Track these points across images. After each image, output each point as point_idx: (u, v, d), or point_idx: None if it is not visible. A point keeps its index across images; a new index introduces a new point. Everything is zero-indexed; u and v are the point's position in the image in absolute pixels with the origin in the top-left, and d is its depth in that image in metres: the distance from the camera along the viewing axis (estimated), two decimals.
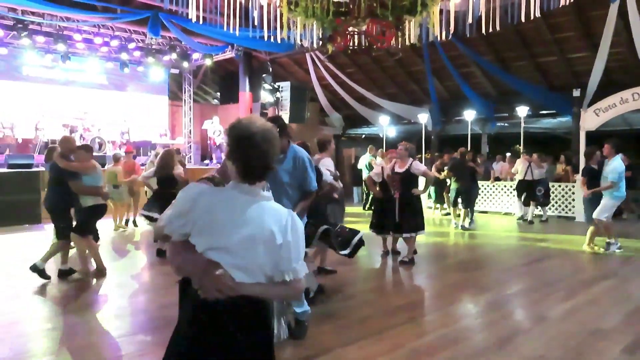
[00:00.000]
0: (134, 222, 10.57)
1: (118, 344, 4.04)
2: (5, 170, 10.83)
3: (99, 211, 6.14)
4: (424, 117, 15.46)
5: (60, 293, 5.57)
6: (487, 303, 5.23)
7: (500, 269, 7.02)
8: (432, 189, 11.78)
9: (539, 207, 11.92)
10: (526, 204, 11.75)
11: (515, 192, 12.15)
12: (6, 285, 5.80)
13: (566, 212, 12.14)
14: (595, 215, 7.60)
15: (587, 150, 8.53)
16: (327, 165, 5.79)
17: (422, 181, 7.78)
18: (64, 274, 6.04)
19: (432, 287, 6.17)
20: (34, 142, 14.09)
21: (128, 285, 5.89)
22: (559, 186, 12.33)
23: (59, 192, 5.94)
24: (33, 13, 13.20)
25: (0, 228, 9.42)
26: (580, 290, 5.76)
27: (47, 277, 5.89)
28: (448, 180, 11.12)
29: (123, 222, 10.28)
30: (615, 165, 7.43)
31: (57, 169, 5.91)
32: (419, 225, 6.97)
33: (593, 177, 7.84)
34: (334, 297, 5.24)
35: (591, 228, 7.84)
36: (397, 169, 7.05)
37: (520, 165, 11.77)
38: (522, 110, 13.51)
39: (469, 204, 10.16)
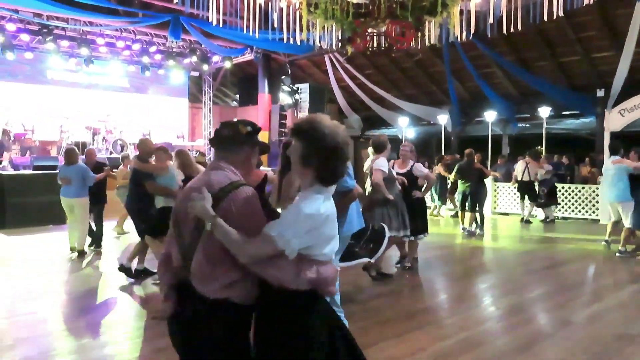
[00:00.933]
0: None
1: (136, 344, 4.10)
2: (30, 172, 11.06)
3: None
4: (443, 118, 15.35)
5: (84, 292, 5.66)
6: (508, 306, 5.15)
7: (521, 271, 6.91)
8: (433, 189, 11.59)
9: (541, 208, 11.86)
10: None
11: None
12: (32, 284, 5.90)
13: (589, 214, 11.90)
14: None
15: (613, 143, 8.04)
16: (381, 166, 5.66)
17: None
18: (139, 274, 6.02)
19: (452, 290, 6.10)
20: (58, 144, 14.36)
21: (147, 285, 5.96)
22: (582, 188, 12.09)
23: (136, 193, 6.08)
24: (57, 18, 13.51)
25: (25, 228, 9.62)
26: (605, 294, 5.64)
27: (134, 277, 5.99)
28: (449, 182, 10.99)
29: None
30: None
31: (134, 171, 6.09)
32: (418, 229, 6.47)
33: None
34: (353, 299, 5.22)
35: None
36: (398, 170, 6.55)
37: (519, 167, 11.69)
38: (544, 111, 13.31)
39: (475, 206, 9.78)
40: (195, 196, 1.85)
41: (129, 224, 8.87)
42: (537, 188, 11.60)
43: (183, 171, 7.22)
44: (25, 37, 14.32)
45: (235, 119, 2.18)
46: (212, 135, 2.04)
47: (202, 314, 1.87)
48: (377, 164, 5.67)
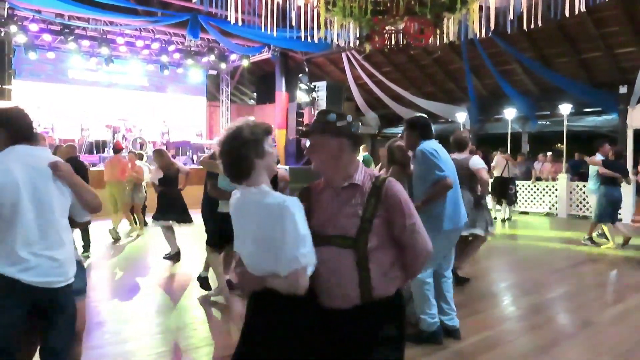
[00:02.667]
0: (142, 221, 9.67)
1: (160, 339, 4.15)
2: None
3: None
4: (462, 116, 15.21)
5: (104, 291, 5.75)
6: (529, 306, 5.10)
7: (542, 271, 6.81)
8: None
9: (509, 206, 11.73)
10: (499, 202, 11.52)
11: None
12: None
13: None
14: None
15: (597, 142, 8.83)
16: (483, 164, 5.65)
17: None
18: (202, 281, 5.37)
19: (472, 289, 6.04)
20: (79, 143, 14.57)
21: (175, 280, 6.03)
22: None
23: (204, 196, 5.50)
24: (79, 18, 13.72)
25: None
26: (629, 295, 5.54)
27: (208, 288, 5.35)
28: None
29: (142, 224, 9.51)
30: None
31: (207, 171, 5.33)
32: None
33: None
34: None
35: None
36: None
37: (500, 162, 11.32)
38: (565, 108, 13.08)
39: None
40: None
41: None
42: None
43: (164, 171, 7.16)
44: (47, 37, 14.57)
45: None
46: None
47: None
48: (477, 162, 5.47)
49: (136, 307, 5.09)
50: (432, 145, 3.96)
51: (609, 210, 7.94)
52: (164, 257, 7.03)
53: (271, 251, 1.83)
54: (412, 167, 4.30)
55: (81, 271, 2.71)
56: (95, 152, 14.63)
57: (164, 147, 13.60)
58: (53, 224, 2.37)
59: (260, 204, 1.86)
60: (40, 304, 2.33)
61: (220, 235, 4.81)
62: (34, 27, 13.67)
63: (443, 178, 3.81)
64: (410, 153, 4.24)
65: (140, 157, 10.09)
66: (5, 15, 12.17)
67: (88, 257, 7.16)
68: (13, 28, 12.70)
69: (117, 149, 10.18)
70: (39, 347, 2.45)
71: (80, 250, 6.65)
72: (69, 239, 2.47)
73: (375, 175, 2.00)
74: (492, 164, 11.67)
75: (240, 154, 1.88)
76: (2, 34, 12.85)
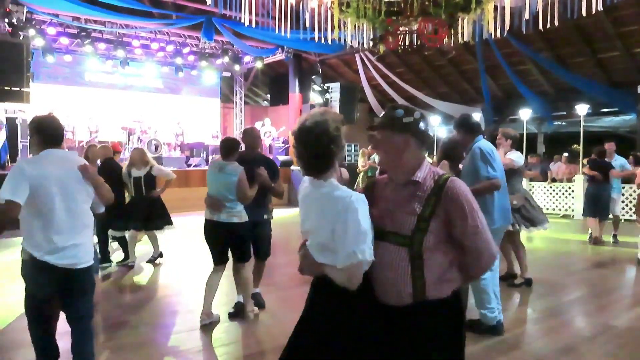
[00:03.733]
0: None
1: (177, 340, 4.18)
2: None
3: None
4: (476, 117, 15.01)
5: (117, 288, 5.80)
6: (546, 309, 5.04)
7: (559, 273, 6.73)
8: None
9: None
10: None
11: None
12: None
13: (630, 215, 11.49)
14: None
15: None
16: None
17: None
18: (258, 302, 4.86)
19: None
20: (88, 145, 14.61)
21: (185, 282, 6.07)
22: (630, 187, 11.59)
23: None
24: (95, 21, 13.89)
25: None
26: None
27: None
28: None
29: None
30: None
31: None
32: None
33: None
34: None
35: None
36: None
37: None
38: (582, 109, 12.92)
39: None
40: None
41: None
42: None
43: (140, 168, 6.87)
44: (64, 40, 14.78)
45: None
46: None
47: None
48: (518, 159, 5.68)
49: (148, 309, 5.12)
50: (489, 145, 4.22)
51: (589, 206, 8.80)
52: (147, 261, 7.01)
53: (331, 242, 1.86)
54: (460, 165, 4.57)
55: (95, 252, 3.28)
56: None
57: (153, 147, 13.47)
58: (79, 216, 2.91)
59: (328, 196, 1.89)
60: (66, 281, 2.84)
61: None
62: (51, 31, 13.87)
63: (494, 178, 4.03)
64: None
65: None
66: (24, 19, 12.37)
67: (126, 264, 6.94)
68: (31, 32, 12.90)
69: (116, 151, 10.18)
70: (67, 315, 2.95)
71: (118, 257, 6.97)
72: (90, 225, 3.02)
73: (439, 173, 1.95)
74: (549, 171, 11.61)
75: (326, 149, 1.90)
76: (21, 38, 13.04)
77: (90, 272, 2.99)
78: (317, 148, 1.89)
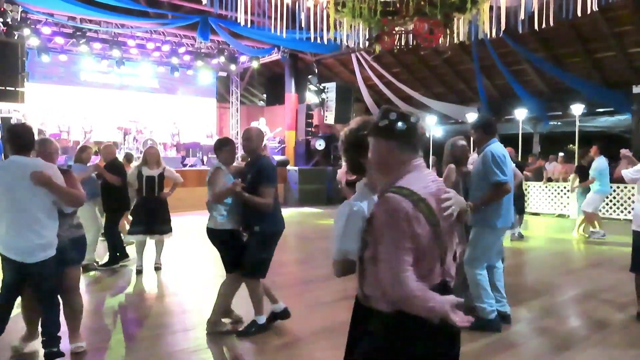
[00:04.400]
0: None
1: (174, 339, 4.17)
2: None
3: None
4: (472, 117, 15.12)
5: (116, 287, 5.79)
6: (541, 308, 5.05)
7: (554, 273, 6.75)
8: None
9: None
10: None
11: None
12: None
13: (625, 215, 11.54)
14: (582, 207, 9.18)
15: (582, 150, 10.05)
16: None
17: None
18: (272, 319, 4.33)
19: None
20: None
21: (182, 282, 6.06)
22: (625, 187, 11.62)
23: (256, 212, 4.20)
24: (91, 21, 13.85)
25: None
26: None
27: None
28: None
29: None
30: (596, 165, 8.88)
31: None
32: None
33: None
34: None
35: (580, 217, 9.37)
36: None
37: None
38: (577, 108, 12.96)
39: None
40: (455, 196, 1.85)
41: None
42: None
43: (153, 167, 6.56)
44: (59, 40, 14.73)
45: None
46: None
47: None
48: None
49: (144, 309, 5.11)
50: (501, 150, 4.31)
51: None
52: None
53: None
54: (469, 166, 4.70)
55: (81, 246, 3.84)
56: None
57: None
58: (27, 219, 3.31)
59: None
60: (20, 270, 3.36)
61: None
62: (46, 30, 13.82)
63: (505, 182, 4.14)
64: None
65: (130, 160, 9.28)
66: (19, 19, 12.32)
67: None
68: (26, 31, 12.84)
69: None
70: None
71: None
72: (45, 229, 3.39)
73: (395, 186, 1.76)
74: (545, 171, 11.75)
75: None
76: (16, 37, 12.97)
77: (42, 267, 3.37)
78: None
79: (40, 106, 14.68)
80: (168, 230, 6.60)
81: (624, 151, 5.28)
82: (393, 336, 1.76)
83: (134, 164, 9.03)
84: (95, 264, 6.60)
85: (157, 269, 6.60)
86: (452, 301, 1.65)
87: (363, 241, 1.82)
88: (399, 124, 1.77)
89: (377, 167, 1.85)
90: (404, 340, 1.75)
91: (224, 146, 4.31)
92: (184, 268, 6.87)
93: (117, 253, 6.77)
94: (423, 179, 1.79)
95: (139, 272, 6.37)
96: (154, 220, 6.42)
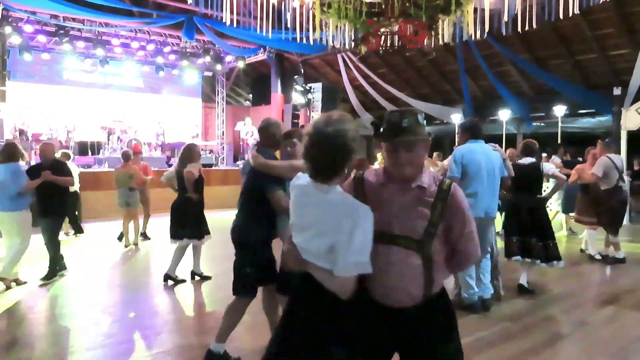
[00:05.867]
0: (145, 235, 8.93)
1: (153, 342, 4.14)
2: None
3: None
4: (457, 117, 15.27)
5: (98, 292, 5.73)
6: (523, 307, 5.11)
7: (536, 272, 6.83)
8: None
9: None
10: None
11: None
12: (49, 283, 5.97)
13: None
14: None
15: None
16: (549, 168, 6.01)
17: None
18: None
19: None
20: (65, 144, 14.40)
21: (167, 283, 6.02)
22: None
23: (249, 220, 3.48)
24: (74, 19, 13.68)
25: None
26: (623, 295, 5.55)
27: None
28: None
29: (137, 236, 8.48)
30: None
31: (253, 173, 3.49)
32: None
33: None
34: None
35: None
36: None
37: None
38: (560, 110, 13.15)
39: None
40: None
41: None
42: None
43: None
44: (42, 39, 14.52)
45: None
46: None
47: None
48: (549, 168, 5.90)
49: (130, 308, 5.07)
50: (465, 148, 4.77)
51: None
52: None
53: (329, 249, 1.82)
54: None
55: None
56: (90, 153, 14.56)
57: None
58: None
59: (334, 204, 1.84)
60: None
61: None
62: (28, 28, 13.61)
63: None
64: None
65: (68, 157, 8.78)
66: (0, 17, 12.12)
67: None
68: (7, 29, 12.66)
69: (136, 152, 9.97)
70: None
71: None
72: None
73: (440, 178, 2.00)
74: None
75: (342, 160, 1.85)
76: None
77: None
78: (333, 157, 1.84)
79: (22, 105, 14.47)
80: (208, 231, 6.11)
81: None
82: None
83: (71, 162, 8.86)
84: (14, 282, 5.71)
85: (203, 277, 6.08)
86: None
87: (431, 235, 1.92)
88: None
89: (417, 166, 1.98)
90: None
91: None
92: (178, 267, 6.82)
93: (57, 266, 6.09)
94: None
95: (175, 280, 5.89)
96: (199, 222, 5.96)
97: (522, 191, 5.54)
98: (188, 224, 5.86)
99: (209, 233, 6.09)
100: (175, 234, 5.89)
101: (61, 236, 6.90)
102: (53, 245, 5.99)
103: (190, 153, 5.94)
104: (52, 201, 5.85)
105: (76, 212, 9.35)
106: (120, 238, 8.61)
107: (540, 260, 5.43)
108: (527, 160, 5.66)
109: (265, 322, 3.69)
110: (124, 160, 8.46)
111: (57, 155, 7.57)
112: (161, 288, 5.81)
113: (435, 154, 11.08)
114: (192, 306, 5.23)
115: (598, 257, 7.32)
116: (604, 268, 7.02)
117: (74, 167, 9.09)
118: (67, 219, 8.51)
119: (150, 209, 9.08)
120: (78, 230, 9.32)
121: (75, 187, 8.82)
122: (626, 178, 9.51)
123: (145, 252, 7.96)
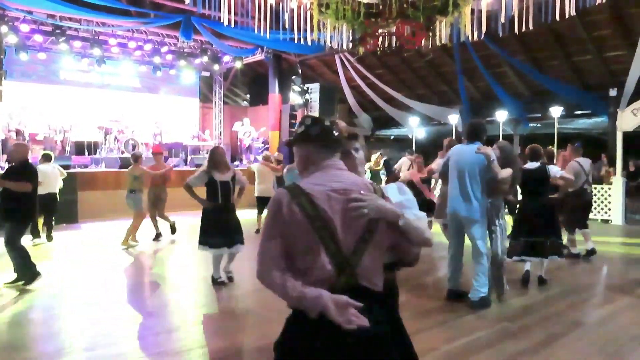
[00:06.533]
0: (158, 235, 8.92)
1: (157, 341, 4.15)
2: None
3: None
4: (454, 118, 15.30)
5: (97, 292, 5.73)
6: (520, 307, 5.14)
7: (531, 272, 6.86)
8: None
9: None
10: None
11: None
12: (47, 283, 5.96)
13: (602, 215, 11.76)
14: None
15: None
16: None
17: None
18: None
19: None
20: (62, 144, 14.36)
21: (165, 283, 6.02)
22: (602, 188, 11.87)
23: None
24: (70, 19, 13.64)
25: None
26: (618, 295, 5.59)
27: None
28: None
29: (136, 237, 8.42)
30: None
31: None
32: None
33: None
34: None
35: None
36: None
37: (405, 165, 10.79)
38: (556, 111, 13.20)
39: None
40: (371, 198, 1.82)
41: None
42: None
43: (223, 172, 6.41)
44: (38, 38, 14.47)
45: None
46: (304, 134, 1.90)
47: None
48: (555, 171, 5.97)
49: (128, 309, 5.07)
50: (453, 149, 5.31)
51: None
52: None
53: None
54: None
55: None
56: (87, 153, 14.53)
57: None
58: None
59: None
60: None
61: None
62: (25, 28, 13.57)
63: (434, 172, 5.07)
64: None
65: (49, 159, 8.71)
66: None
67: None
68: (4, 28, 12.61)
69: (157, 152, 9.99)
70: None
71: None
72: None
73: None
74: (396, 166, 11.45)
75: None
76: None
77: None
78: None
79: (18, 105, 14.42)
80: (243, 239, 5.93)
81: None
82: (286, 331, 1.82)
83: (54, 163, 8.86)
84: None
85: (231, 279, 5.98)
86: (340, 300, 1.65)
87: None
88: (314, 128, 1.89)
89: (300, 170, 1.94)
90: (291, 335, 1.79)
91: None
92: (174, 266, 6.82)
93: (32, 269, 5.72)
94: (325, 177, 1.83)
95: (221, 282, 5.82)
96: (234, 229, 5.81)
97: (530, 195, 5.87)
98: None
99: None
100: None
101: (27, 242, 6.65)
102: (9, 252, 5.62)
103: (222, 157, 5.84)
104: (9, 206, 5.61)
105: (52, 217, 8.84)
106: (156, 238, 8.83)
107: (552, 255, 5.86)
108: (534, 164, 5.87)
109: (273, 318, 3.69)
110: (133, 162, 8.52)
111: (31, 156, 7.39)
112: (160, 288, 5.81)
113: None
114: (192, 306, 5.23)
115: (583, 253, 7.52)
116: (600, 269, 7.06)
117: (53, 169, 8.71)
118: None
119: (164, 208, 8.90)
120: (36, 235, 8.52)
121: (53, 189, 8.58)
122: (621, 178, 9.56)
123: (144, 252, 7.95)
